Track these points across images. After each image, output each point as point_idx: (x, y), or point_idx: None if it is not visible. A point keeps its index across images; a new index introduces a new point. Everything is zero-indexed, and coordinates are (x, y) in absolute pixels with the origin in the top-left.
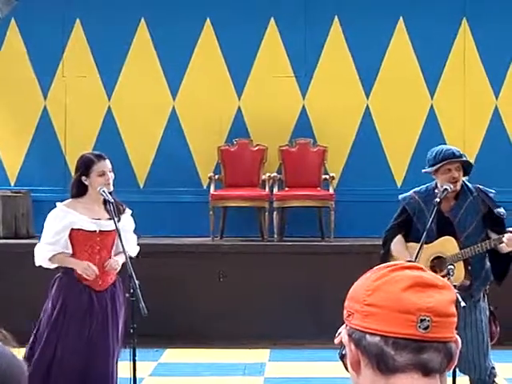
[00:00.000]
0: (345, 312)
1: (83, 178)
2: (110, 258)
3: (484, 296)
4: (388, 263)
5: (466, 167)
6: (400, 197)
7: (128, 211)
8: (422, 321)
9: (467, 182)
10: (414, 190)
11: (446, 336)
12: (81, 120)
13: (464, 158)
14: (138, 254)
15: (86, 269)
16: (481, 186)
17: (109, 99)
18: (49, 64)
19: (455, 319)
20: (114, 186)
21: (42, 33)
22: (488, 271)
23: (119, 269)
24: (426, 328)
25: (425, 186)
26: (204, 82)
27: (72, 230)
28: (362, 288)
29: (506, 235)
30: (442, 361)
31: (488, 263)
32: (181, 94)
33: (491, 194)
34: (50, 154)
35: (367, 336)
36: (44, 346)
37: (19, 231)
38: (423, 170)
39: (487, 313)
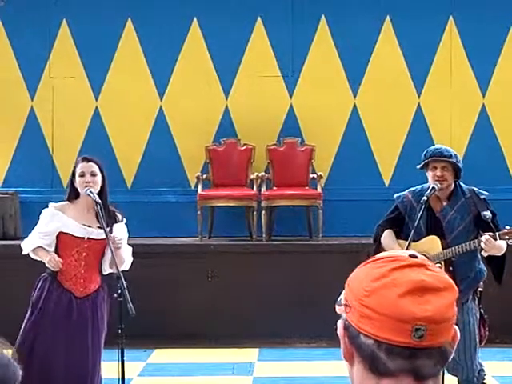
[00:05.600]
0: (343, 298)
1: (73, 180)
2: (97, 263)
3: (474, 297)
4: (390, 254)
5: (457, 170)
6: (395, 195)
7: (123, 220)
8: (416, 330)
9: (462, 184)
10: (410, 189)
11: (441, 341)
12: (68, 121)
13: (452, 160)
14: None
15: (50, 260)
16: (475, 189)
17: (96, 100)
18: (35, 65)
19: (454, 320)
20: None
21: (29, 33)
22: (478, 273)
23: (120, 246)
24: (420, 337)
25: (420, 185)
26: (191, 82)
27: (60, 233)
28: (361, 285)
29: (483, 238)
30: (435, 364)
31: (479, 265)
32: (168, 93)
33: (483, 197)
34: (38, 155)
35: (361, 336)
36: (23, 345)
37: (7, 232)
38: (417, 166)
39: (477, 314)
